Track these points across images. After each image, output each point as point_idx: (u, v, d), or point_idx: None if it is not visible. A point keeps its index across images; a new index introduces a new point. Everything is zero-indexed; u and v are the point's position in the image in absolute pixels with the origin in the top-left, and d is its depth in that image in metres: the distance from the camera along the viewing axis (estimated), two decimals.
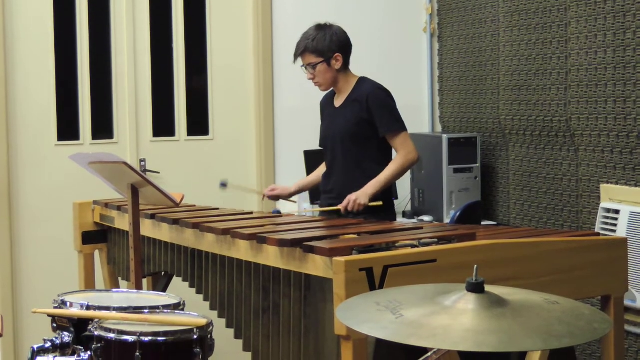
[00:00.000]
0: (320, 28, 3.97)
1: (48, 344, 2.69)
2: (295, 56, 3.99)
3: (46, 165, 4.82)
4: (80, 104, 4.91)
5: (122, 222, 4.05)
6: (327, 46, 3.91)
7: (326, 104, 4.14)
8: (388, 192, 3.99)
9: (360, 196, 3.79)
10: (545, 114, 4.52)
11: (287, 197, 4.26)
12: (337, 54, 3.93)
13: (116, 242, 4.27)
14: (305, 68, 3.98)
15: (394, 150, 3.98)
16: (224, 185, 4.21)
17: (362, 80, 4.00)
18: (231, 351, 3.57)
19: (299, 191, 4.30)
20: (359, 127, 3.90)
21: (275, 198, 4.27)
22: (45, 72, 4.81)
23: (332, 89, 4.07)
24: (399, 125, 3.90)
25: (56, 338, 2.71)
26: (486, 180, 5.14)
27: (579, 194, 4.35)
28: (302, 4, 5.33)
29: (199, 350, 2.54)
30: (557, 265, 2.93)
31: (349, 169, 3.93)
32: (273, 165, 5.26)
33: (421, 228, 3.26)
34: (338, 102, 4.03)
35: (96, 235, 4.37)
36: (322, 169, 4.20)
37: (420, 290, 2.03)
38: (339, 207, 3.84)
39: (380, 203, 3.81)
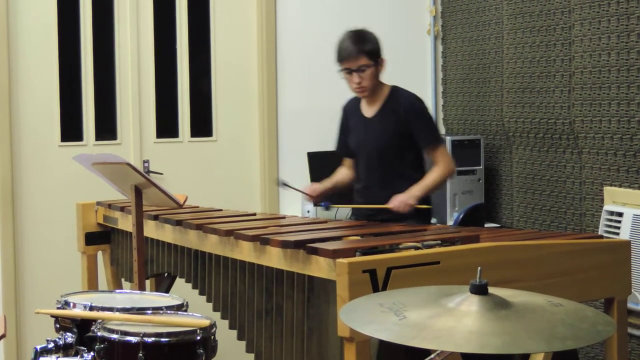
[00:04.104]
0: (363, 32, 3.87)
1: (51, 345, 2.69)
2: (347, 58, 3.83)
3: (49, 166, 4.82)
4: (84, 105, 4.91)
5: (126, 223, 4.06)
6: (377, 49, 3.84)
7: (352, 111, 4.03)
8: (427, 197, 3.94)
9: (409, 197, 3.70)
10: (548, 116, 4.51)
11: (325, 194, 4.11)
12: (382, 59, 3.87)
13: (119, 243, 4.27)
14: (352, 71, 3.83)
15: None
16: (283, 184, 4.11)
17: (396, 90, 3.93)
18: (234, 352, 3.57)
19: (334, 189, 4.11)
20: (398, 140, 3.83)
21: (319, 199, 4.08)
22: (49, 73, 4.82)
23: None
24: (438, 138, 3.90)
25: (59, 339, 2.71)
26: (489, 183, 5.13)
27: (583, 197, 4.35)
28: (306, 6, 5.34)
29: (202, 351, 2.54)
30: (560, 268, 2.93)
31: (390, 180, 3.85)
32: (276, 166, 5.26)
33: (424, 230, 3.26)
34: (370, 112, 3.93)
35: (99, 236, 4.37)
36: (343, 172, 4.11)
37: (424, 292, 2.03)
38: (388, 205, 3.72)
39: (430, 206, 3.78)
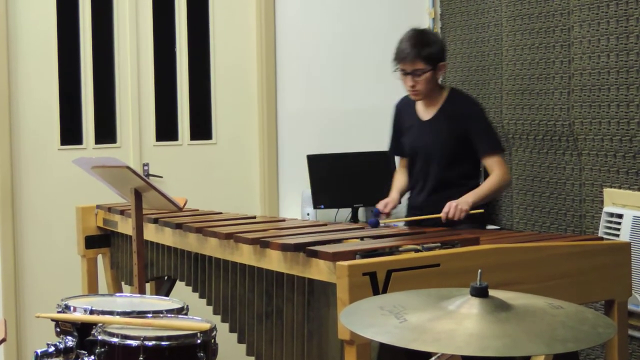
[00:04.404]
0: (426, 33, 3.78)
1: (51, 349, 2.69)
2: (403, 60, 3.73)
3: (49, 170, 4.82)
4: (83, 108, 4.91)
5: (125, 226, 4.06)
6: (437, 54, 3.73)
7: (406, 111, 3.94)
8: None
9: (462, 203, 3.60)
10: (548, 118, 4.51)
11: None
12: (442, 63, 3.76)
13: (119, 247, 4.27)
14: (407, 74, 3.74)
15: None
16: (378, 213, 3.92)
17: (455, 93, 3.83)
18: (235, 355, 3.57)
19: (401, 198, 4.03)
20: (454, 145, 3.75)
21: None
22: (49, 77, 4.82)
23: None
24: (499, 147, 3.80)
25: (60, 342, 2.71)
26: None
27: (582, 198, 4.34)
28: (306, 8, 5.34)
29: (202, 354, 2.54)
30: (560, 270, 2.93)
31: (442, 187, 3.78)
32: (276, 169, 5.26)
33: (424, 232, 3.26)
34: (427, 114, 3.84)
35: (99, 240, 4.37)
36: (402, 177, 4.03)
37: (424, 294, 2.03)
38: (440, 215, 3.61)
39: (482, 210, 3.66)
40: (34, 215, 4.79)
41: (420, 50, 3.69)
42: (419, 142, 3.86)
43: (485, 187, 3.71)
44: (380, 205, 3.87)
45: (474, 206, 3.64)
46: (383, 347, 3.11)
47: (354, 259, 2.63)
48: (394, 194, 3.98)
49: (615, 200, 4.05)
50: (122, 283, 4.37)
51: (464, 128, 3.72)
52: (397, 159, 4.25)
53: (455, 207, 3.58)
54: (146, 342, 2.49)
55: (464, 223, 3.65)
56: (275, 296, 2.99)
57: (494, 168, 3.74)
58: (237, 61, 5.25)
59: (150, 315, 2.72)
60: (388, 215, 3.88)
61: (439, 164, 3.79)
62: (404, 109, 3.97)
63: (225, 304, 3.30)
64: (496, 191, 3.76)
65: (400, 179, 4.06)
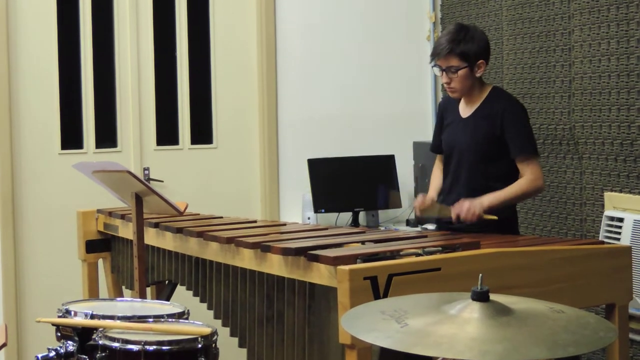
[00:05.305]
0: (466, 30, 3.61)
1: (52, 353, 2.69)
2: (437, 56, 3.59)
3: (50, 174, 4.82)
4: (84, 113, 4.92)
5: (126, 230, 4.06)
6: (474, 51, 3.56)
7: (449, 109, 3.81)
8: (512, 207, 3.71)
9: (475, 205, 3.44)
10: (549, 122, 4.52)
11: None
12: (481, 61, 3.60)
13: (120, 251, 4.27)
14: (443, 70, 3.60)
15: None
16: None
17: (496, 92, 3.70)
18: None
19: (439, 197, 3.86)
20: (490, 146, 3.60)
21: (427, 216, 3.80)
22: (49, 81, 4.82)
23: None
24: (532, 150, 3.59)
25: (60, 347, 2.71)
26: None
27: (583, 202, 4.34)
28: (306, 13, 5.34)
29: (203, 359, 2.54)
30: (561, 274, 2.93)
31: (474, 189, 3.59)
32: (277, 174, 5.26)
33: (425, 236, 3.26)
34: (466, 112, 3.71)
35: (100, 244, 4.37)
36: (439, 176, 3.89)
37: (425, 298, 2.03)
38: (452, 214, 3.49)
39: (495, 217, 3.46)
40: (34, 220, 4.79)
41: (455, 47, 3.55)
42: (454, 139, 3.73)
43: (508, 190, 3.53)
44: (418, 201, 3.71)
45: (490, 210, 3.47)
46: (384, 351, 3.10)
47: (355, 263, 2.63)
48: (432, 192, 3.84)
49: (615, 204, 4.05)
50: (123, 287, 4.37)
51: (499, 128, 3.58)
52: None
53: (468, 209, 3.44)
54: (147, 347, 2.49)
55: (495, 231, 3.49)
56: (276, 300, 2.99)
57: (526, 172, 3.55)
58: (237, 65, 5.26)
59: (151, 319, 2.72)
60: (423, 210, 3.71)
61: (472, 164, 3.64)
62: (447, 105, 3.85)
63: (226, 309, 3.30)
64: (521, 196, 3.59)
65: (437, 178, 3.91)
